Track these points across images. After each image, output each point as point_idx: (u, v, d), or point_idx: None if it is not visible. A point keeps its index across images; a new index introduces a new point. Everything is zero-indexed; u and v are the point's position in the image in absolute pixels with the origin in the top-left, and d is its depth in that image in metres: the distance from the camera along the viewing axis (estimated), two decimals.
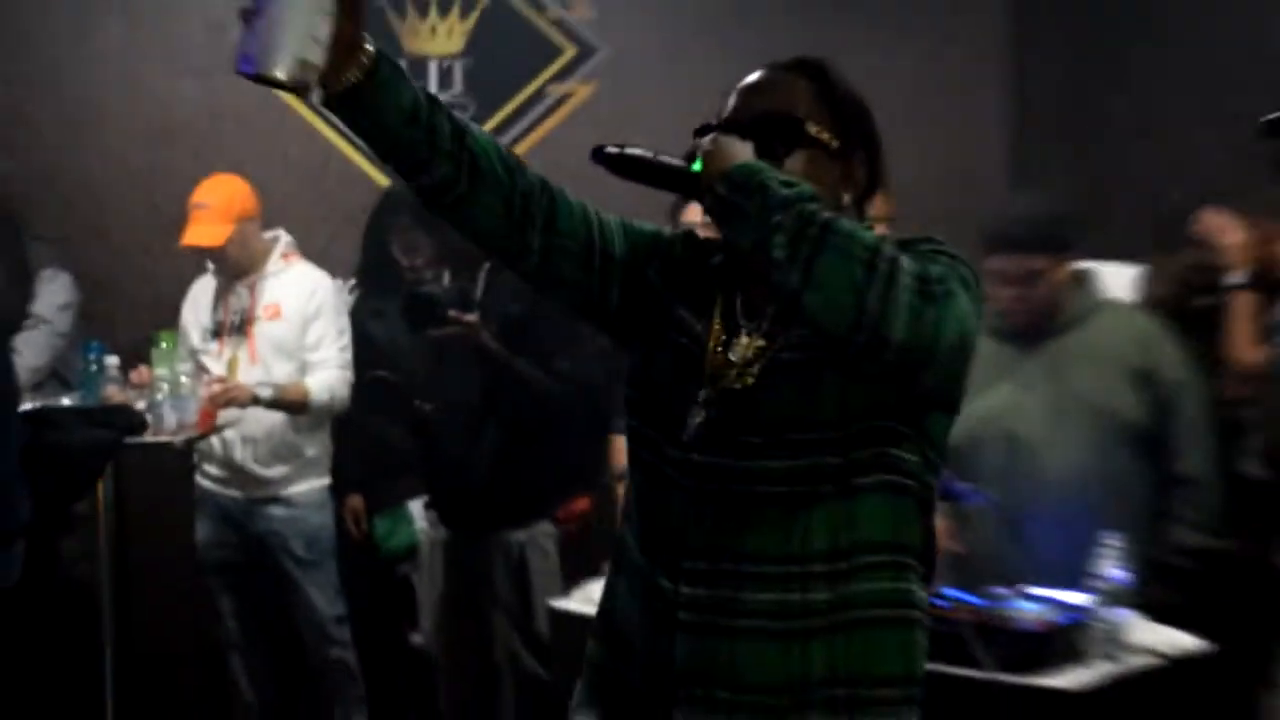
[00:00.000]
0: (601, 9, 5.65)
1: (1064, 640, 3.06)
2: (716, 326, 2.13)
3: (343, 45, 1.85)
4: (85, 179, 5.39)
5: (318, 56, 1.92)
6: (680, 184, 2.11)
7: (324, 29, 1.92)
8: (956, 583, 3.38)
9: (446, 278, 4.48)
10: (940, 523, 3.51)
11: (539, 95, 5.68)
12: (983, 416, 3.62)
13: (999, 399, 3.72)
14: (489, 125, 5.48)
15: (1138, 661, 3.12)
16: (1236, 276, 3.89)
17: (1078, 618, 3.11)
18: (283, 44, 1.92)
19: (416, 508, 4.80)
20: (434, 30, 5.65)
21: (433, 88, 5.56)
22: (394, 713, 5.00)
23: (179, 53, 5.66)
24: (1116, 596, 3.16)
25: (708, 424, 2.05)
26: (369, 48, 1.91)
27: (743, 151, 2.03)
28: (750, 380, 2.04)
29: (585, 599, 3.75)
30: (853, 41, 5.42)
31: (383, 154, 2.04)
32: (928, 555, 2.08)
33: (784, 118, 2.13)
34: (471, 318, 4.16)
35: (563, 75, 5.67)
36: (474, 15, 5.63)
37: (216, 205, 4.72)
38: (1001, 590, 3.29)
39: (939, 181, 5.24)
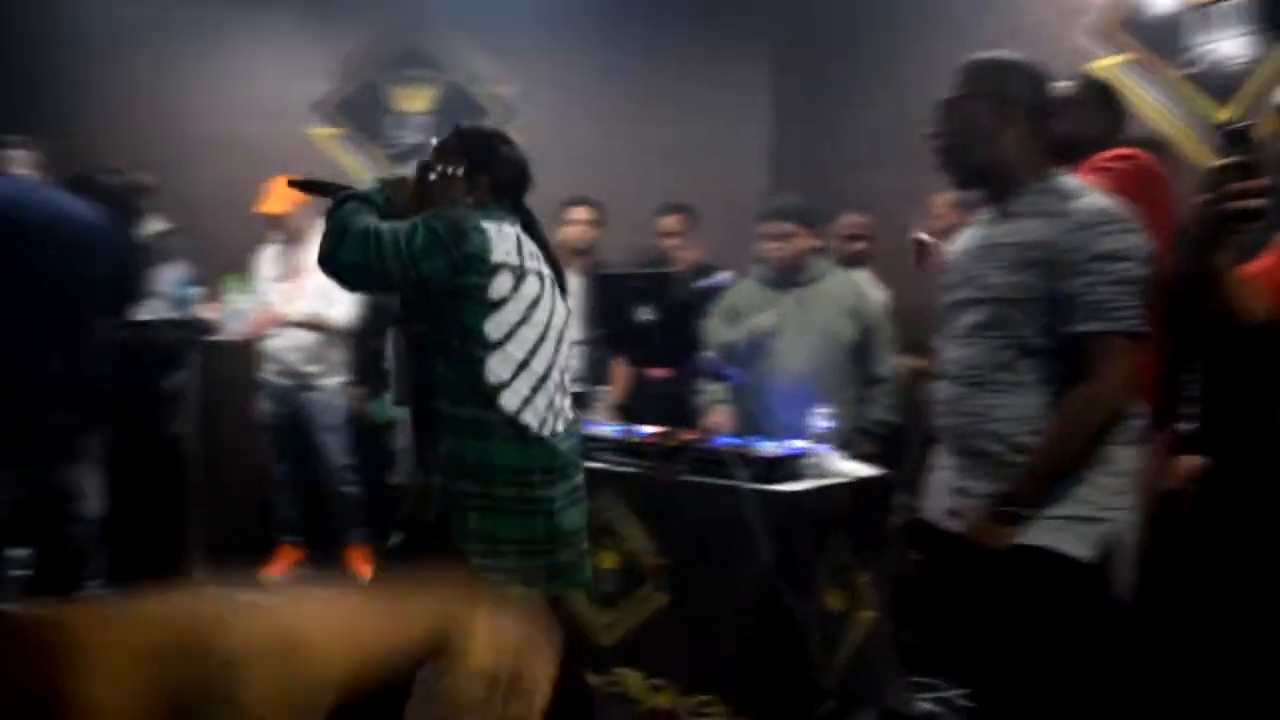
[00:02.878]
0: (522, 88, 5.64)
1: (791, 464, 3.12)
2: None
3: None
4: (193, 184, 5.29)
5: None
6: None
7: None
8: (727, 432, 3.52)
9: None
10: (723, 412, 3.75)
11: None
12: (753, 329, 3.69)
13: (765, 320, 3.70)
14: None
15: (834, 479, 3.20)
16: None
17: (799, 451, 3.17)
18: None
19: None
20: (413, 96, 5.64)
21: (410, 134, 5.63)
22: (380, 526, 4.97)
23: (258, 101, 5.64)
24: (823, 440, 3.25)
25: None
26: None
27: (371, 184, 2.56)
28: None
29: None
30: (664, 109, 5.57)
31: None
32: None
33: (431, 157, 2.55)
34: None
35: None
36: (437, 86, 5.63)
37: (285, 191, 4.74)
38: (754, 436, 3.38)
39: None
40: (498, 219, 2.41)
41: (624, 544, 3.32)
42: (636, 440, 3.40)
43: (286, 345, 4.72)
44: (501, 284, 2.35)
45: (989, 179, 2.26)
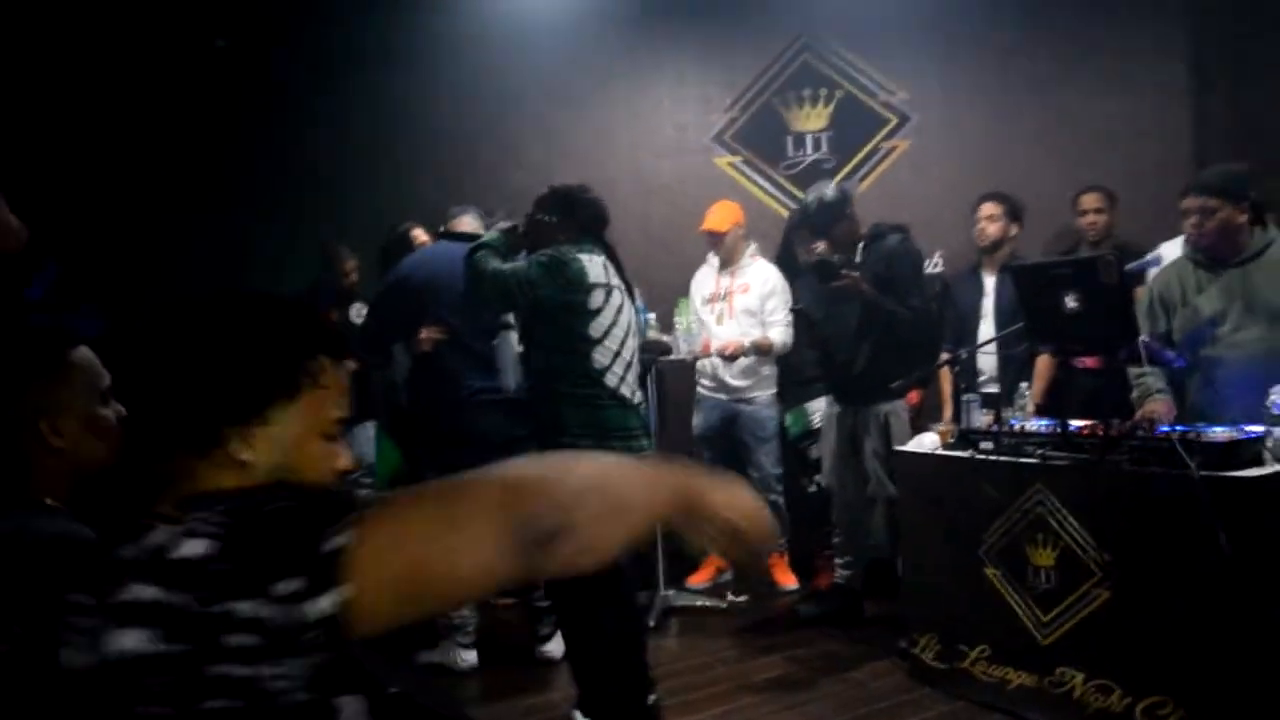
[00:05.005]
0: (912, 93, 5.63)
1: (1247, 448, 2.94)
2: None
3: None
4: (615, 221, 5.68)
5: None
6: None
7: None
8: (1168, 420, 3.33)
9: (837, 255, 4.31)
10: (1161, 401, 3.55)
11: (874, 150, 5.69)
12: (1191, 313, 3.49)
13: (1203, 302, 3.46)
14: (845, 170, 5.64)
15: None
16: None
17: (1256, 435, 2.98)
18: None
19: (816, 404, 4.83)
20: (808, 115, 5.78)
21: (808, 151, 5.80)
22: (801, 532, 5.02)
23: (654, 142, 5.97)
24: None
25: None
26: None
27: (491, 236, 3.49)
28: None
29: (919, 445, 3.83)
30: (1060, 91, 5.34)
31: None
32: None
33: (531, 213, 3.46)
34: (855, 274, 4.16)
35: (889, 135, 5.68)
36: (832, 104, 5.73)
37: (723, 213, 5.02)
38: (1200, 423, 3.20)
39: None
40: (588, 251, 3.31)
41: (1062, 540, 3.25)
42: (1070, 433, 3.31)
43: (719, 363, 4.93)
44: (596, 298, 3.27)
45: None
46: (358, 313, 5.20)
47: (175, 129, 5.69)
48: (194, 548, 0.97)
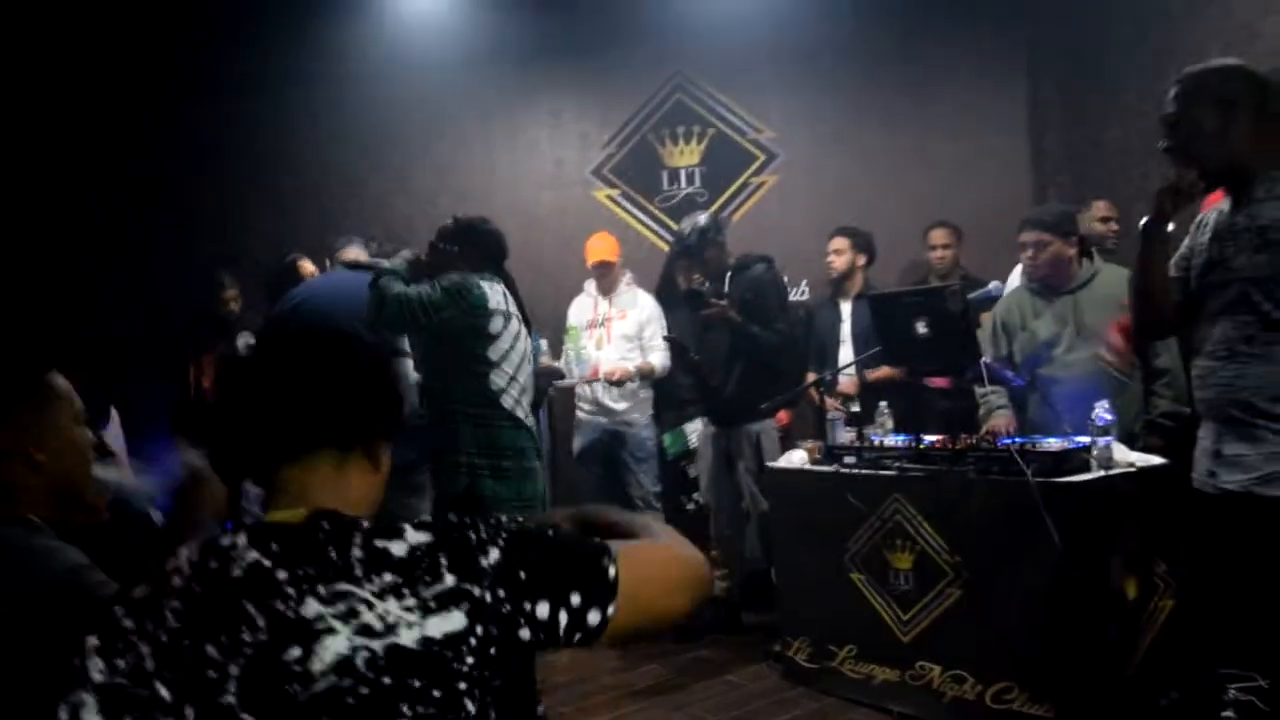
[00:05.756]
0: (778, 132, 5.89)
1: (1075, 456, 3.22)
2: None
3: None
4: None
5: None
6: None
7: None
8: (1010, 433, 3.60)
9: (707, 284, 4.57)
10: (1003, 416, 3.86)
11: (744, 185, 5.95)
12: (1028, 338, 3.78)
13: (1039, 328, 3.76)
14: (717, 204, 5.88)
15: (1120, 469, 3.26)
16: None
17: (1083, 444, 3.26)
18: None
19: (693, 425, 4.98)
20: (682, 152, 6.02)
21: (682, 185, 6.07)
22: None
23: (535, 175, 6.17)
24: (1105, 433, 3.26)
25: None
26: None
27: (391, 263, 3.63)
28: None
29: (788, 461, 4.03)
30: (919, 130, 5.64)
31: None
32: None
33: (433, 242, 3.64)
34: (723, 303, 4.37)
35: (758, 171, 5.93)
36: (705, 141, 5.98)
37: (609, 244, 5.17)
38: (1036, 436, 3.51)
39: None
40: (489, 279, 3.55)
41: (918, 545, 3.51)
42: (924, 446, 3.60)
43: (600, 387, 5.05)
44: (496, 323, 3.50)
45: (1225, 176, 2.45)
46: (245, 344, 5.22)
47: (50, 158, 5.63)
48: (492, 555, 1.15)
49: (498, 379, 3.54)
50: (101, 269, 5.68)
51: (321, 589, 1.08)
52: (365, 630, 1.07)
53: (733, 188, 5.99)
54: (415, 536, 1.13)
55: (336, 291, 4.05)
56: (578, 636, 1.18)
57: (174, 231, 5.91)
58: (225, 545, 1.12)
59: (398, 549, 1.12)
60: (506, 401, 3.54)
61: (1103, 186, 4.94)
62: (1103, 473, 3.23)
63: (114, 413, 3.65)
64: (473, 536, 1.16)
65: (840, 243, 4.88)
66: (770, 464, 4.20)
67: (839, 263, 4.86)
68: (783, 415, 4.81)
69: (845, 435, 3.92)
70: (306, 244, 5.00)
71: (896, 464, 3.62)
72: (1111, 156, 5.15)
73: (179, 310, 5.28)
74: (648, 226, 6.06)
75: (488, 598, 1.13)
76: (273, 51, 5.76)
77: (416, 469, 4.05)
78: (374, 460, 1.25)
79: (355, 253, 4.44)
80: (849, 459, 3.79)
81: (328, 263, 4.62)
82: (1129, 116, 4.97)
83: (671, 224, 5.84)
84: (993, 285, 4.14)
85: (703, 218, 4.61)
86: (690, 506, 5.11)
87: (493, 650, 1.12)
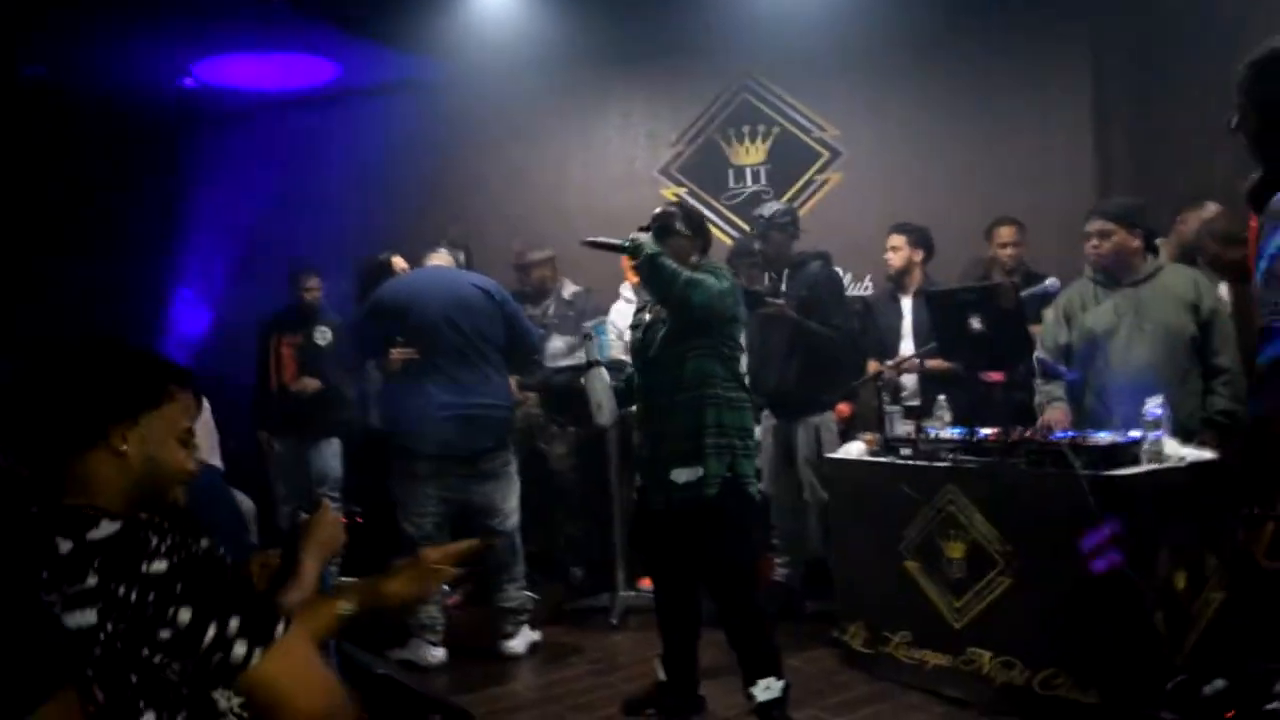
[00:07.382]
0: (843, 130, 5.97)
1: (1125, 450, 3.27)
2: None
3: None
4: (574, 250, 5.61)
5: None
6: (622, 253, 3.45)
7: None
8: (1063, 427, 3.65)
9: (766, 279, 4.71)
10: (1059, 409, 3.91)
11: (809, 182, 6.04)
12: (1086, 329, 3.82)
13: (1097, 319, 3.79)
14: (784, 198, 5.87)
15: (1170, 464, 3.29)
16: None
17: (1133, 439, 3.31)
18: None
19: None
20: (748, 150, 6.15)
21: (748, 183, 6.18)
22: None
23: (605, 174, 6.35)
24: (1157, 428, 3.33)
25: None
26: None
27: (647, 240, 3.36)
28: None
29: (846, 452, 4.13)
30: (984, 126, 5.68)
31: None
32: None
33: (665, 223, 3.47)
34: (779, 302, 4.50)
35: (823, 169, 6.02)
36: (770, 140, 6.09)
37: None
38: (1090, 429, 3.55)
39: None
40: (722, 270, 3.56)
41: (970, 534, 3.58)
42: (977, 439, 3.67)
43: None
44: (742, 311, 3.55)
45: None
46: (321, 335, 5.46)
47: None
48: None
49: (744, 361, 3.62)
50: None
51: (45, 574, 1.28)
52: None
53: (797, 185, 6.06)
54: (100, 531, 1.30)
55: (421, 288, 4.34)
56: (217, 658, 1.28)
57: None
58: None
59: (64, 546, 1.28)
60: (747, 381, 3.60)
61: (1167, 182, 4.93)
62: (1153, 467, 3.27)
63: (205, 403, 3.74)
64: (153, 541, 1.30)
65: (897, 239, 4.93)
66: (829, 455, 4.29)
67: (896, 259, 4.92)
68: (844, 408, 4.88)
69: (903, 428, 4.00)
70: (387, 243, 5.21)
71: (951, 456, 3.70)
72: (1177, 150, 5.11)
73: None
74: (714, 224, 6.11)
75: (133, 598, 1.25)
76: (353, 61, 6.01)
77: (487, 456, 4.26)
78: (113, 449, 1.41)
79: (443, 258, 4.64)
80: (905, 450, 3.87)
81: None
82: (1194, 111, 4.89)
83: (739, 221, 5.96)
84: (1050, 282, 4.18)
85: (778, 204, 4.71)
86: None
87: (119, 645, 1.25)
